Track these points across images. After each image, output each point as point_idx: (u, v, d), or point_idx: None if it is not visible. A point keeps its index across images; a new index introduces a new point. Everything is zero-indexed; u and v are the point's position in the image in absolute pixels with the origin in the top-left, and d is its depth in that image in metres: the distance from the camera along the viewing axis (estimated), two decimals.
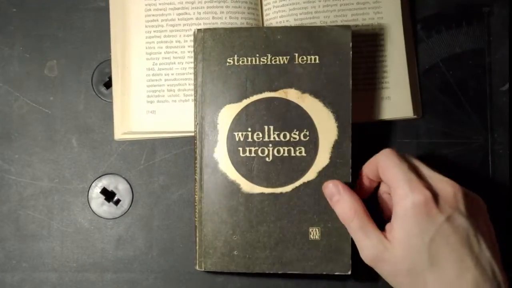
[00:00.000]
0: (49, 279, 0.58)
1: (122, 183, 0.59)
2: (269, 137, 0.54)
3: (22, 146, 0.59)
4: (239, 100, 0.54)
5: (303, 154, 0.54)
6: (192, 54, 0.58)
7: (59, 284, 0.58)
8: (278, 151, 0.54)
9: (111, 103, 0.59)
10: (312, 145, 0.54)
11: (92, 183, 0.59)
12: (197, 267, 0.55)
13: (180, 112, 0.58)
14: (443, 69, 0.60)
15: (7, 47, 0.60)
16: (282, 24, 0.59)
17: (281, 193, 0.54)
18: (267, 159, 0.54)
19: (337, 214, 0.52)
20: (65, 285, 0.58)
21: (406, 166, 0.49)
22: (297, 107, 0.54)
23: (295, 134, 0.54)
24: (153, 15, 0.59)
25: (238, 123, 0.54)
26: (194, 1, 0.59)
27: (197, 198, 0.55)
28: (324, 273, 0.54)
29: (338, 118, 0.54)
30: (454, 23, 0.60)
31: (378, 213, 0.52)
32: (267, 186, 0.54)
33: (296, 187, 0.54)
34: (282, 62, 0.55)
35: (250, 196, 0.54)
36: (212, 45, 0.55)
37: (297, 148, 0.54)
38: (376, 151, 0.51)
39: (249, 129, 0.54)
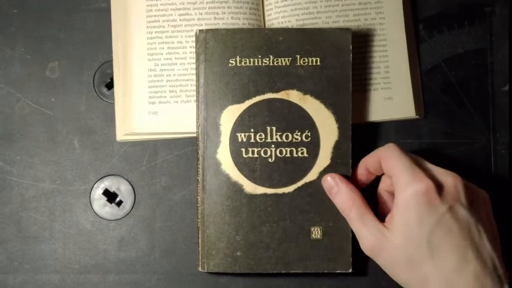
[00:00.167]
0: (51, 280, 0.58)
1: (124, 184, 0.59)
2: (271, 138, 0.54)
3: (23, 147, 0.59)
4: (242, 101, 0.54)
5: (305, 154, 0.54)
6: (194, 55, 0.58)
7: (61, 286, 0.58)
8: (281, 152, 0.55)
9: (112, 104, 0.59)
10: (314, 146, 0.55)
11: (94, 184, 0.59)
12: (200, 268, 0.55)
13: (182, 113, 0.58)
14: (445, 69, 0.60)
15: (8, 48, 0.60)
16: (284, 25, 0.59)
17: (283, 194, 0.54)
18: (269, 159, 0.54)
19: (336, 206, 0.53)
20: (67, 287, 0.58)
21: (409, 158, 0.49)
22: (299, 108, 0.55)
23: (297, 135, 0.55)
24: (155, 15, 0.59)
25: (241, 124, 0.54)
26: (195, 2, 0.59)
27: (199, 199, 0.55)
28: (326, 271, 0.54)
29: (338, 119, 0.55)
30: (456, 23, 0.60)
31: (378, 214, 0.52)
32: (269, 187, 0.54)
33: (298, 188, 0.54)
34: (284, 64, 0.55)
35: (253, 197, 0.54)
36: (214, 45, 0.55)
37: (299, 149, 0.55)
38: None
39: (252, 130, 0.54)
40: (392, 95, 0.58)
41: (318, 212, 0.54)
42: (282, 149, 0.55)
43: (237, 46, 0.55)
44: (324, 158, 0.54)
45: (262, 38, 0.55)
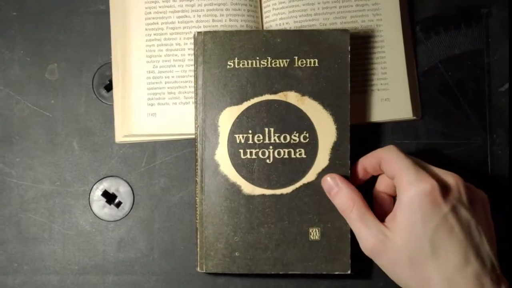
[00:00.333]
0: (50, 281, 0.58)
1: (123, 186, 0.59)
2: (269, 139, 0.55)
3: (23, 149, 0.59)
4: (240, 102, 0.55)
5: (303, 155, 0.55)
6: (192, 57, 0.58)
7: (61, 287, 0.58)
8: (279, 153, 0.55)
9: (111, 106, 0.59)
10: (312, 147, 0.55)
11: (93, 185, 0.59)
12: (198, 269, 0.55)
13: (181, 115, 0.58)
14: (442, 70, 0.60)
15: (7, 50, 0.60)
16: (282, 27, 0.59)
17: (281, 195, 0.55)
18: (267, 161, 0.55)
19: (336, 207, 0.52)
20: None
21: (411, 159, 0.49)
22: (297, 109, 0.55)
23: (295, 136, 0.55)
24: (153, 18, 0.59)
25: (239, 125, 0.55)
26: (194, 4, 0.59)
27: (198, 200, 0.55)
28: (325, 273, 0.54)
29: (337, 120, 0.55)
30: (452, 24, 0.60)
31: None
32: (268, 188, 0.55)
33: (297, 189, 0.55)
34: (282, 65, 0.55)
35: (251, 198, 0.54)
36: (212, 47, 0.55)
37: (297, 150, 0.55)
38: None
39: (250, 131, 0.55)
40: (389, 96, 0.59)
41: (316, 213, 0.54)
42: (280, 150, 0.55)
43: (235, 48, 0.55)
44: (322, 159, 0.55)
45: (260, 40, 0.55)
